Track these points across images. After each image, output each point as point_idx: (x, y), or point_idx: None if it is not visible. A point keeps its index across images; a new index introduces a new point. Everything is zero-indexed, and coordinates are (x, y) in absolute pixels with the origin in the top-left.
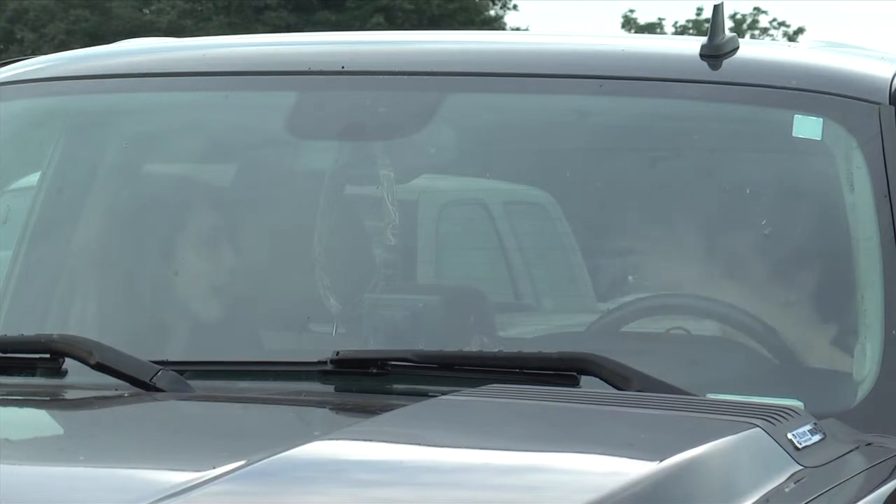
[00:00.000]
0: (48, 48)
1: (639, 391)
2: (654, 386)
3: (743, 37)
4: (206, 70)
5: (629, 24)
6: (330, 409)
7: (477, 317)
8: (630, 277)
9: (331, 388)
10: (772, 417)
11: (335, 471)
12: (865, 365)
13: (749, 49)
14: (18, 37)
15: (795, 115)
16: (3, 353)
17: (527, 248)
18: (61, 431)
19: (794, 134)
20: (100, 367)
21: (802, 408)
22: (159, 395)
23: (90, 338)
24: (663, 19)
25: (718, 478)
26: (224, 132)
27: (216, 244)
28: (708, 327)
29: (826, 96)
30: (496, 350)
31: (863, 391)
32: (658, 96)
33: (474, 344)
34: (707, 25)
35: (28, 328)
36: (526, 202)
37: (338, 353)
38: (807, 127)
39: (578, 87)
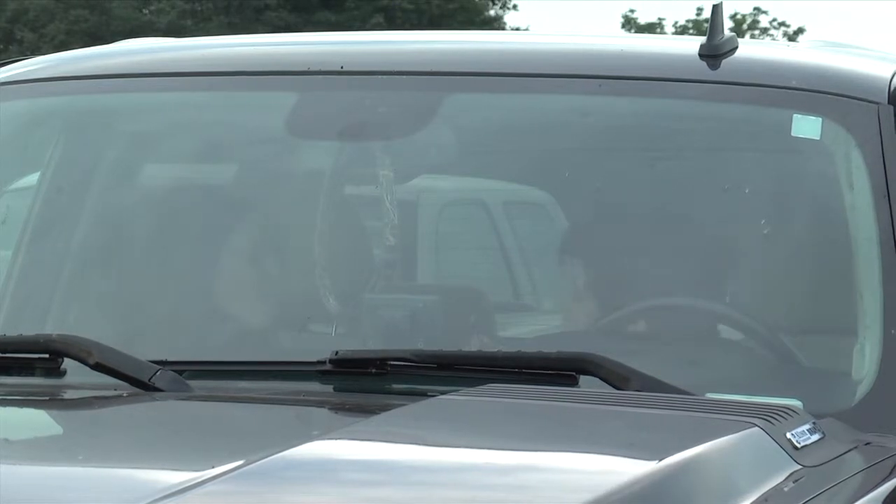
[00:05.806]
0: (48, 48)
1: (638, 391)
2: (653, 386)
3: (743, 37)
4: (206, 70)
5: (629, 24)
6: (329, 409)
7: (476, 317)
8: (630, 277)
9: (330, 388)
10: (771, 417)
11: (334, 471)
12: (864, 364)
13: (748, 49)
14: (18, 37)
15: (794, 115)
16: (2, 353)
17: (527, 248)
18: (60, 431)
19: (793, 133)
20: (99, 367)
21: (801, 407)
22: (158, 395)
23: (89, 338)
24: (663, 19)
25: (717, 477)
26: (224, 132)
27: (216, 244)
28: (707, 327)
29: (825, 96)
30: (496, 350)
31: (862, 391)
32: (657, 96)
33: (474, 344)
34: (707, 25)
35: (27, 328)
36: (526, 202)
37: (337, 353)
38: (806, 126)
39: (578, 87)
